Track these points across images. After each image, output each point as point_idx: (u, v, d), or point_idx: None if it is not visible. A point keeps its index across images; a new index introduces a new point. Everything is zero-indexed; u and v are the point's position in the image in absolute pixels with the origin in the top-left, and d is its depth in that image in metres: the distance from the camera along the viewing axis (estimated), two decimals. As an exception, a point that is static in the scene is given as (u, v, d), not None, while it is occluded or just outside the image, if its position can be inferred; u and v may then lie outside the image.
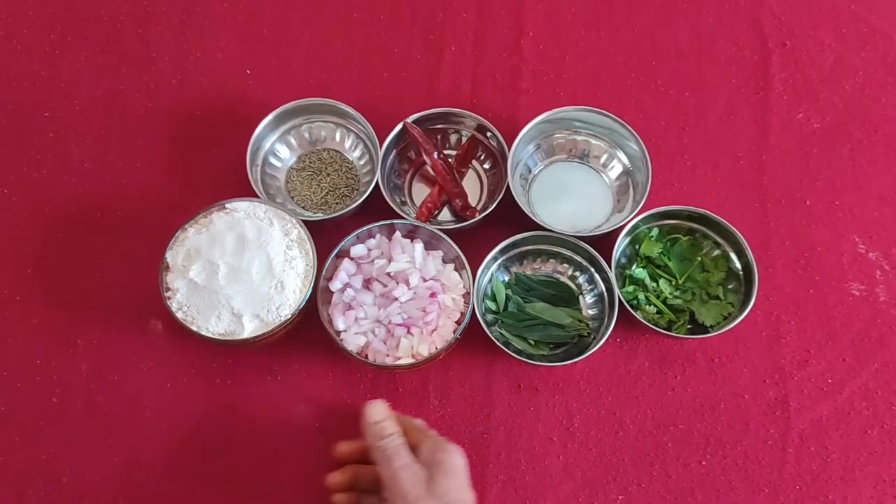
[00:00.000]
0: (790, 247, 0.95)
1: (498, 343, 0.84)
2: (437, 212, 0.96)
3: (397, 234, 0.88)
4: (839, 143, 1.01)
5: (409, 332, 0.85)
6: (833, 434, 0.87)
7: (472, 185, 0.97)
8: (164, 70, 1.01)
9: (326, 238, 0.89)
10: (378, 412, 0.75)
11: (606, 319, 0.86)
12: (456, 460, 0.72)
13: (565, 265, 0.92)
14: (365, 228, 0.86)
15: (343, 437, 0.85)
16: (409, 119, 0.94)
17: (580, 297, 0.91)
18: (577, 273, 0.91)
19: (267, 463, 0.85)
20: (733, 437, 0.87)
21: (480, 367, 0.89)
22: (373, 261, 0.87)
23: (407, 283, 0.85)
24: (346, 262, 0.86)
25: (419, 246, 0.87)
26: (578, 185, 0.97)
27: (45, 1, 1.05)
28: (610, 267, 0.87)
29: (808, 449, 0.87)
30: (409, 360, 0.83)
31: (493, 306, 0.90)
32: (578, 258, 0.90)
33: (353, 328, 0.84)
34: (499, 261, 0.90)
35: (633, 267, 0.91)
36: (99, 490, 0.83)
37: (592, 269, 0.90)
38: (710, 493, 0.85)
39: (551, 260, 0.92)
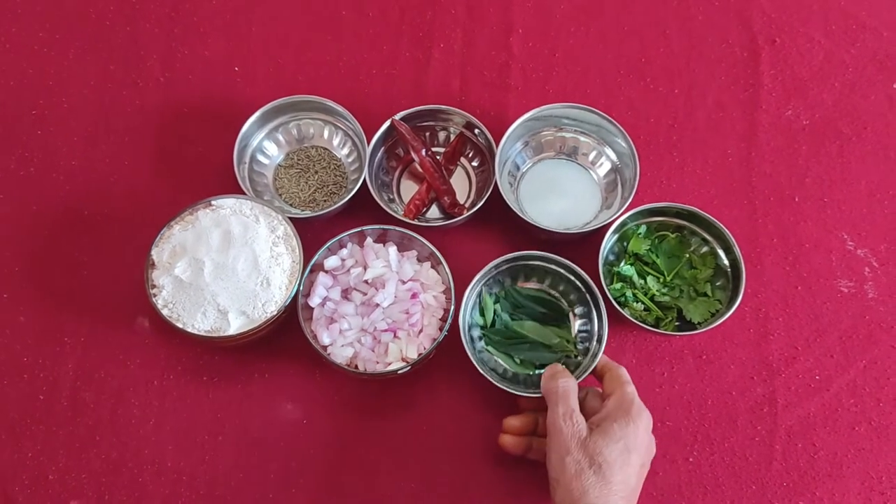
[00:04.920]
0: (778, 243, 0.95)
1: (478, 367, 0.82)
2: (425, 209, 0.96)
3: (368, 240, 0.87)
4: (828, 139, 1.01)
5: (395, 336, 0.84)
6: (820, 430, 0.87)
7: (461, 183, 0.97)
8: (152, 68, 1.01)
9: (314, 236, 0.89)
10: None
11: (596, 343, 0.84)
12: (626, 429, 0.69)
13: (557, 284, 0.90)
14: (335, 239, 0.85)
15: (331, 435, 0.86)
16: (397, 116, 0.94)
17: (570, 315, 0.90)
18: (569, 291, 0.89)
19: (254, 460, 0.85)
20: (721, 433, 0.87)
21: (467, 365, 0.88)
22: (348, 270, 0.86)
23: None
24: (321, 276, 0.85)
25: (392, 249, 0.87)
26: (567, 182, 0.97)
27: (34, -1, 1.05)
28: (598, 272, 0.86)
29: (795, 445, 0.87)
30: (400, 365, 0.82)
31: (479, 321, 0.89)
32: (570, 277, 0.88)
33: (339, 341, 0.84)
34: (490, 274, 0.88)
35: (622, 264, 0.91)
36: (86, 487, 0.83)
37: (583, 290, 0.87)
38: (697, 489, 0.85)
39: (545, 278, 0.90)
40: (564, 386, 0.72)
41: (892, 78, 1.04)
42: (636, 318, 0.86)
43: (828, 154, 1.00)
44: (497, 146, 0.92)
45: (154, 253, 0.83)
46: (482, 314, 0.89)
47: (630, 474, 0.68)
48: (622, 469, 0.67)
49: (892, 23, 1.07)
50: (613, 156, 0.96)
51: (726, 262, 0.90)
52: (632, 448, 0.69)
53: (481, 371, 0.82)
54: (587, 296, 0.87)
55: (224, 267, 0.81)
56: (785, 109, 1.02)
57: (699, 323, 0.87)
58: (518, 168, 0.97)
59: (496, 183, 0.90)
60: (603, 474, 0.66)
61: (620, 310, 0.85)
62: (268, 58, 1.03)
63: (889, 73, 1.05)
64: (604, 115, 0.93)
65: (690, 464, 0.86)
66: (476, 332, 0.88)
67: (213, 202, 0.85)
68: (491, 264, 0.86)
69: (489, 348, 0.88)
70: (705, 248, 0.91)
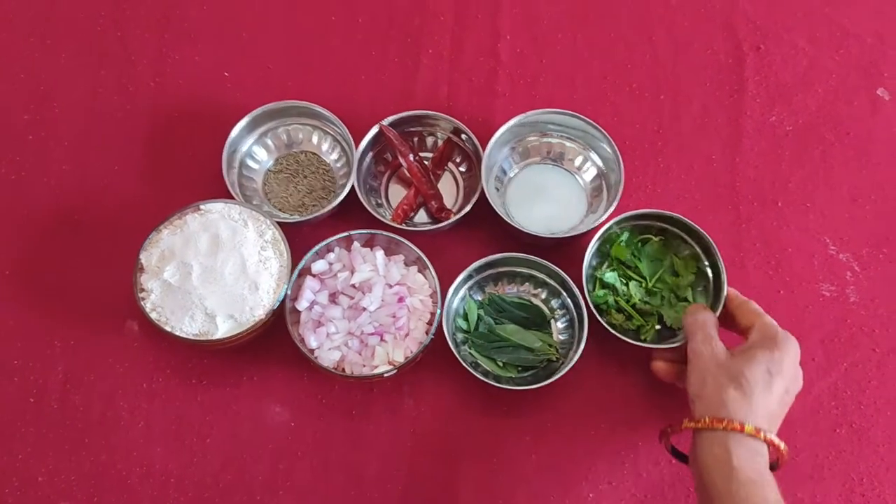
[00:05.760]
0: (761, 248, 0.96)
1: (465, 364, 0.84)
2: (412, 214, 0.96)
3: (356, 244, 0.88)
4: (811, 145, 1.02)
5: (382, 339, 0.85)
6: (801, 433, 0.88)
7: (448, 188, 0.98)
8: (142, 72, 1.02)
9: (303, 240, 0.90)
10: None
11: (576, 344, 0.86)
12: (771, 355, 0.71)
13: (539, 289, 0.92)
14: (323, 243, 0.87)
15: (318, 437, 0.87)
16: (385, 122, 0.95)
17: (552, 321, 0.91)
18: (551, 297, 0.92)
19: (242, 462, 0.85)
20: (703, 436, 0.88)
21: (453, 369, 0.90)
22: (336, 275, 0.87)
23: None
24: (309, 280, 0.86)
25: (380, 253, 0.88)
26: (553, 187, 0.98)
27: (25, 3, 1.05)
28: (582, 278, 0.87)
29: (777, 448, 0.88)
30: (387, 368, 0.83)
31: (464, 325, 0.90)
32: (553, 283, 0.90)
33: (326, 344, 0.85)
34: (474, 279, 0.91)
35: (604, 269, 0.92)
36: (75, 489, 0.84)
37: (565, 294, 0.90)
38: (679, 491, 0.86)
39: (526, 283, 0.92)
40: (703, 317, 0.76)
41: (875, 84, 1.06)
42: (615, 327, 0.87)
43: (811, 159, 1.01)
44: (484, 151, 0.93)
45: (143, 257, 0.83)
46: (466, 319, 0.90)
47: (772, 397, 0.69)
48: (764, 390, 0.69)
49: (876, 30, 1.09)
50: (599, 161, 0.97)
51: (708, 266, 0.90)
52: (775, 373, 0.70)
53: (468, 369, 0.83)
54: (569, 299, 0.89)
55: (212, 271, 0.82)
56: (769, 115, 1.03)
57: (680, 329, 0.88)
58: (505, 173, 0.98)
59: (483, 188, 0.91)
60: (743, 390, 0.68)
61: (599, 318, 0.86)
62: (257, 63, 1.04)
63: (872, 79, 1.06)
64: (589, 120, 0.94)
65: (673, 465, 0.86)
66: (460, 337, 0.89)
67: (201, 206, 0.86)
68: (475, 264, 0.88)
69: (472, 352, 0.89)
70: (687, 252, 0.92)
